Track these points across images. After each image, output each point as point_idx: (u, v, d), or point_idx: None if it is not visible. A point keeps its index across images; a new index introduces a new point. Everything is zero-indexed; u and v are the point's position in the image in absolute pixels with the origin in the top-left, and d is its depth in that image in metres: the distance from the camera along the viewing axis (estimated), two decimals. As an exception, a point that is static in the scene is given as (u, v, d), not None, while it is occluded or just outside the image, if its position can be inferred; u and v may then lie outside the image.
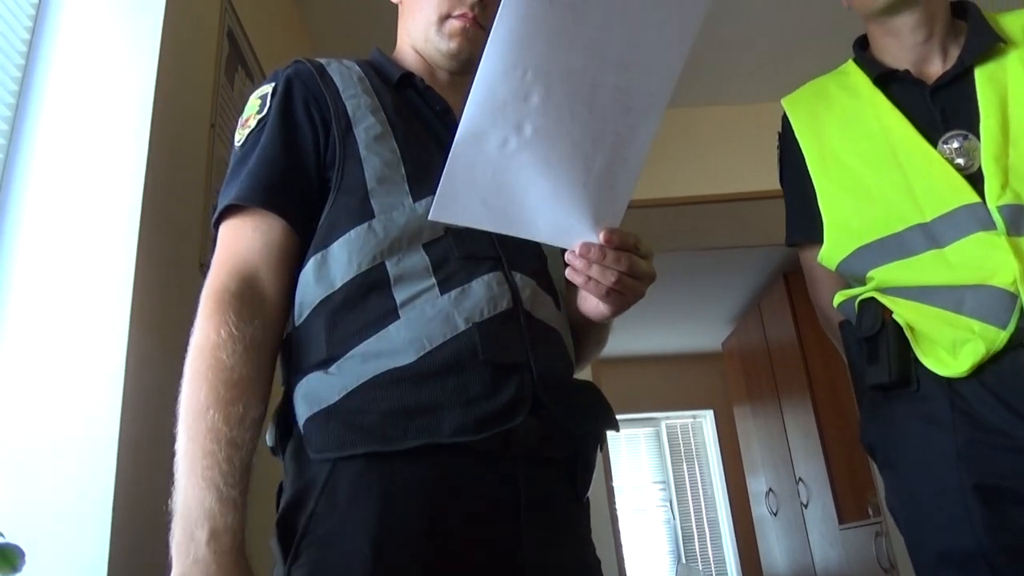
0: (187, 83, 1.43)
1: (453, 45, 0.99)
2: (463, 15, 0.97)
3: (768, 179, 2.60)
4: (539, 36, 0.71)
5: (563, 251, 0.82)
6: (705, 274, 4.79)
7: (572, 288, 0.91)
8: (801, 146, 1.28)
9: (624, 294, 0.83)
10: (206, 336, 0.81)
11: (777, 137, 1.36)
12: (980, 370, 1.04)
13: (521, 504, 0.83)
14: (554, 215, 0.79)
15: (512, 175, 0.75)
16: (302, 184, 0.89)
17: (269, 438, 0.88)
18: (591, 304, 0.88)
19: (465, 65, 1.01)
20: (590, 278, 0.80)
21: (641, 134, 0.78)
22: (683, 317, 5.56)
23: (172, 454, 1.24)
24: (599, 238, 0.79)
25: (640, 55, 0.74)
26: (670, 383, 6.37)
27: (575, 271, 0.81)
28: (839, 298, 1.23)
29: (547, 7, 0.70)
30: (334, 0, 2.54)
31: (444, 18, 0.98)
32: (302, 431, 0.82)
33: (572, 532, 0.90)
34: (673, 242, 3.54)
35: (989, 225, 1.06)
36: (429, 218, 0.76)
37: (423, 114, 0.99)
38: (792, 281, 4.40)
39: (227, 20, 1.67)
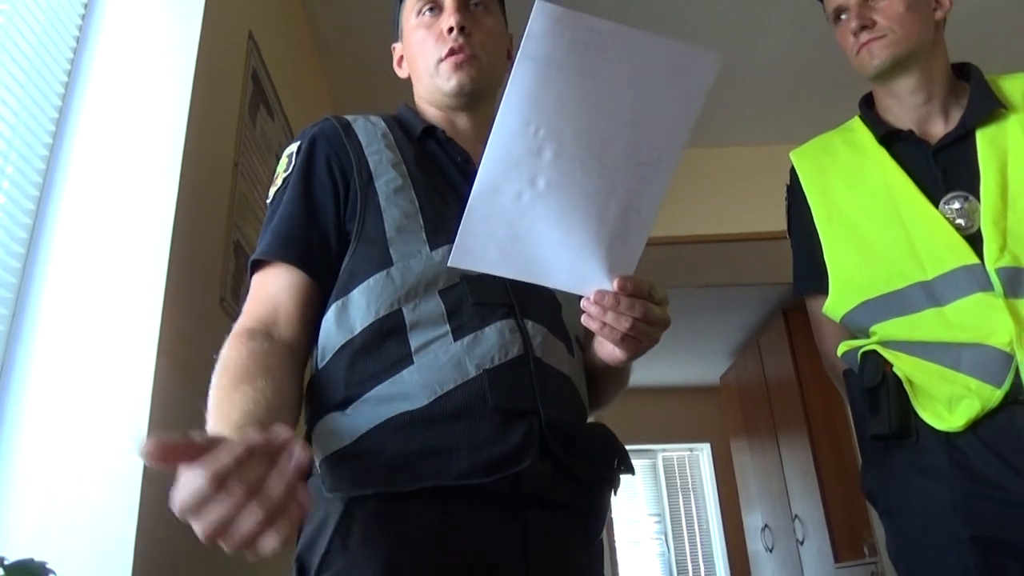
0: (215, 122, 1.48)
1: (453, 82, 1.03)
2: (449, 51, 1.02)
3: (769, 220, 2.66)
4: (550, 95, 0.75)
5: (579, 298, 0.86)
6: (705, 309, 4.82)
7: (590, 333, 0.95)
8: (808, 200, 1.32)
9: (639, 339, 0.86)
10: (220, 357, 0.86)
11: (785, 189, 1.41)
12: (976, 425, 1.07)
13: (530, 547, 0.85)
14: (569, 263, 0.82)
15: (528, 225, 0.79)
16: (321, 235, 0.94)
17: None
18: (607, 349, 0.92)
19: (475, 98, 1.06)
20: (605, 324, 0.83)
21: (653, 187, 0.81)
22: (682, 350, 5.58)
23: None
24: (613, 285, 0.82)
25: (649, 113, 0.78)
26: (668, 415, 6.37)
27: (591, 317, 0.84)
28: (843, 348, 1.27)
29: (557, 68, 0.74)
30: (354, 43, 2.61)
31: (438, 63, 1.03)
32: (318, 470, 0.85)
33: (582, 574, 0.93)
34: (675, 279, 3.58)
35: (987, 286, 1.10)
36: (448, 264, 0.80)
37: (443, 165, 1.04)
38: (792, 318, 4.43)
39: (252, 60, 1.72)
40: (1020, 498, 1.03)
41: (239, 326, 0.91)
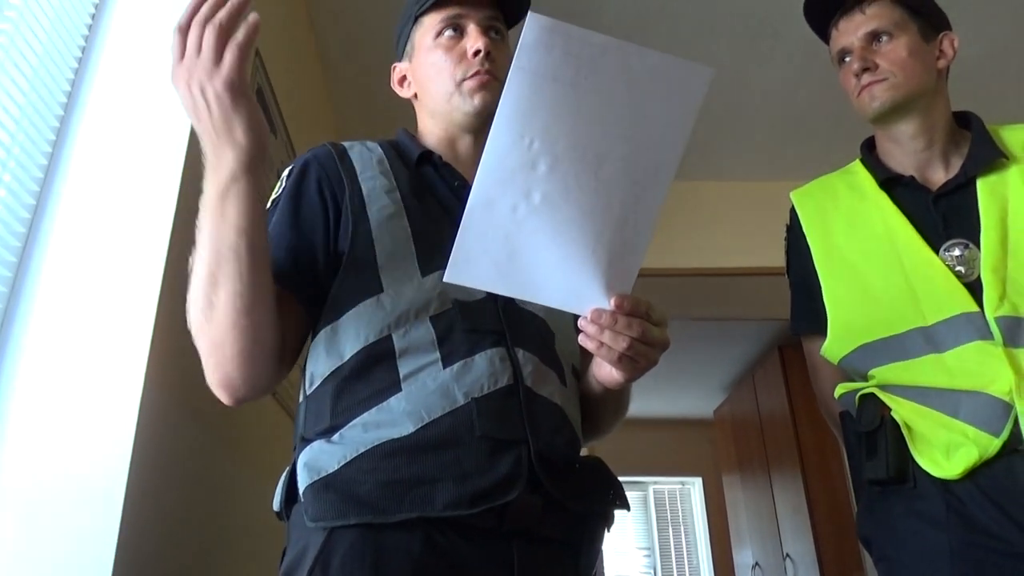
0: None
1: (478, 101, 1.02)
2: (477, 73, 1.02)
3: (767, 256, 2.66)
4: (544, 107, 0.75)
5: (573, 327, 0.85)
6: (700, 342, 4.82)
7: (587, 357, 0.94)
8: (808, 241, 1.32)
9: (636, 360, 0.84)
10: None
11: (785, 229, 1.41)
12: (974, 473, 1.06)
13: None
14: (565, 280, 0.81)
15: (523, 240, 0.78)
16: (308, 256, 0.93)
17: (276, 503, 0.90)
18: (605, 371, 0.90)
19: (490, 120, 1.06)
20: (602, 344, 0.82)
21: (648, 204, 0.80)
22: (677, 382, 5.57)
23: (177, 517, 1.25)
24: (610, 304, 0.81)
25: (643, 127, 0.78)
26: (660, 448, 6.33)
27: (587, 337, 0.83)
28: (840, 390, 1.26)
29: (551, 81, 0.74)
30: (359, 64, 2.62)
31: (461, 82, 1.03)
32: (301, 498, 0.83)
33: None
34: (672, 311, 3.56)
35: (987, 335, 1.09)
36: (444, 280, 0.79)
37: (438, 191, 1.03)
38: (787, 355, 4.42)
39: (257, 77, 1.72)
40: (1017, 549, 1.02)
41: None
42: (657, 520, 6.59)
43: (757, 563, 4.88)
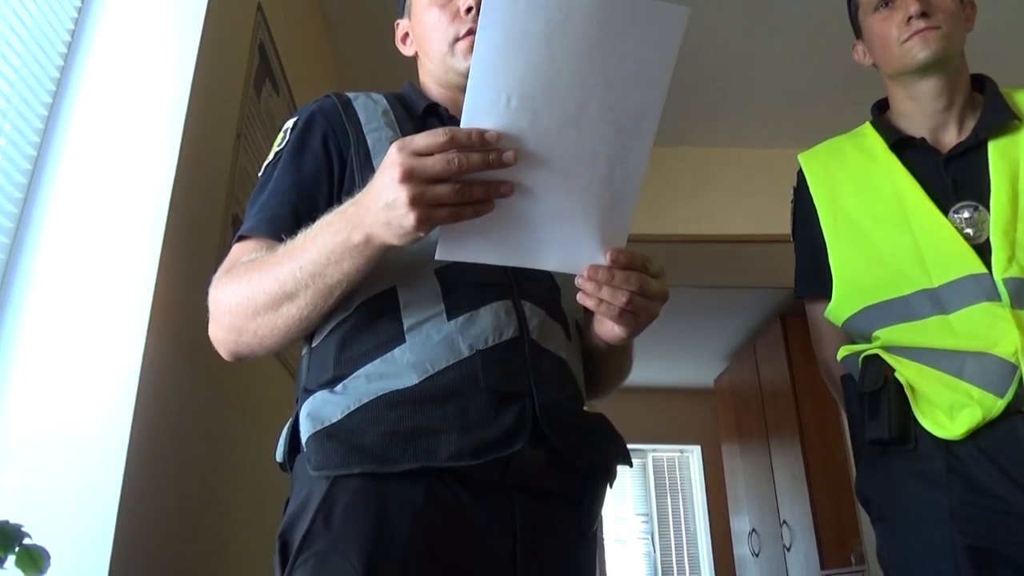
0: (218, 92, 1.46)
1: (471, 61, 1.01)
2: (469, 31, 1.00)
3: (773, 223, 2.65)
4: (517, 64, 0.73)
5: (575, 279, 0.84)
6: (702, 310, 4.81)
7: (589, 315, 0.93)
8: (815, 202, 1.31)
9: (637, 314, 0.84)
10: (232, 279, 0.88)
11: (792, 191, 1.40)
12: (976, 434, 1.06)
13: (519, 535, 0.84)
14: (558, 241, 0.80)
15: (512, 205, 0.77)
16: (311, 213, 0.91)
17: (279, 454, 0.90)
18: (607, 328, 0.90)
19: None
20: (602, 300, 0.82)
21: (635, 153, 0.78)
22: (678, 351, 5.58)
23: (180, 468, 1.25)
24: (606, 259, 0.81)
25: (622, 74, 0.75)
26: (660, 416, 6.37)
27: (586, 295, 0.82)
28: (843, 352, 1.26)
29: (521, 33, 0.72)
30: (362, 20, 2.59)
31: (454, 42, 1.01)
32: (303, 448, 0.83)
33: (573, 566, 0.91)
34: (673, 278, 3.56)
35: (994, 296, 1.08)
36: (436, 258, 0.78)
37: None
38: (789, 324, 4.42)
39: (259, 33, 1.70)
40: (1018, 510, 1.02)
41: (217, 274, 0.91)
42: (656, 487, 6.66)
43: (754, 529, 4.93)
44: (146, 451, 1.12)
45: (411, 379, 0.83)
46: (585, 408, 0.98)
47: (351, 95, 1.03)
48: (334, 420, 0.82)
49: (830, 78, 2.84)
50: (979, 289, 1.10)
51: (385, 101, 1.03)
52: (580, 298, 0.83)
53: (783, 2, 2.54)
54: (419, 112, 1.03)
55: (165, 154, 1.24)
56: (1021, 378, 1.04)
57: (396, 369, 0.84)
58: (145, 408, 1.12)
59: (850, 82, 2.51)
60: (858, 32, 1.35)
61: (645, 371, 5.90)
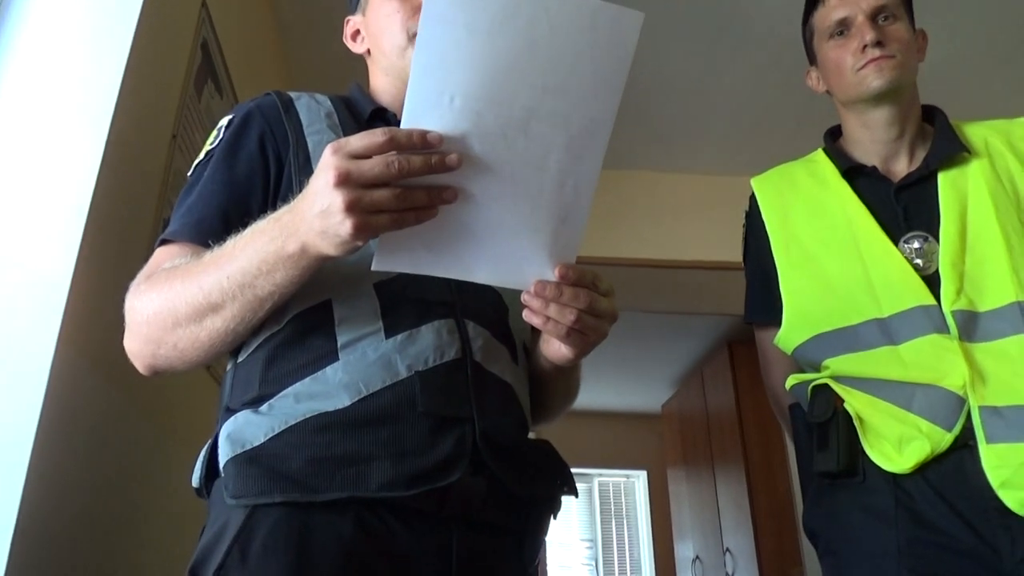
0: (153, 89, 1.38)
1: None
2: None
3: (723, 250, 2.66)
4: (460, 60, 0.68)
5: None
6: (651, 335, 4.83)
7: (536, 335, 0.89)
8: (767, 227, 1.29)
9: (585, 334, 0.80)
10: (152, 286, 0.82)
11: (744, 215, 1.38)
12: (924, 468, 1.05)
13: (455, 570, 0.78)
14: (505, 253, 0.76)
15: (454, 213, 0.72)
16: (242, 218, 0.85)
17: (195, 479, 0.83)
18: (554, 347, 0.86)
19: None
20: (548, 318, 0.77)
21: (587, 162, 0.74)
22: (626, 376, 5.59)
23: (87, 491, 1.16)
24: (555, 275, 0.76)
25: (572, 78, 0.72)
26: (606, 440, 6.36)
27: (532, 311, 0.78)
28: (792, 381, 1.24)
29: (464, 30, 0.68)
30: (316, 23, 2.53)
31: (414, 36, 0.96)
32: (222, 473, 0.77)
33: None
34: (623, 301, 3.56)
35: (943, 328, 1.08)
36: (373, 268, 0.73)
37: None
38: (736, 351, 4.46)
39: (203, 31, 1.63)
40: (964, 546, 1.00)
41: (136, 281, 0.84)
42: (601, 512, 6.62)
43: (698, 556, 4.93)
44: (50, 469, 1.03)
45: (343, 400, 0.78)
46: (531, 435, 0.93)
47: (294, 95, 0.97)
48: (256, 443, 0.76)
49: (786, 105, 2.89)
50: (928, 320, 1.09)
51: (330, 103, 0.98)
52: (526, 315, 0.79)
53: (740, 28, 2.57)
54: (365, 116, 0.98)
55: (88, 151, 1.16)
56: (969, 411, 1.03)
57: (327, 389, 0.78)
58: (51, 423, 1.03)
59: (806, 110, 2.55)
60: (812, 58, 1.35)
61: (593, 395, 5.90)
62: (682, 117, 3.01)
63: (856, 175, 1.25)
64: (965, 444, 1.03)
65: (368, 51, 1.05)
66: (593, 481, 6.67)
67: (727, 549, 4.42)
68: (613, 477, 6.70)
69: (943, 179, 1.19)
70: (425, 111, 0.69)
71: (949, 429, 1.04)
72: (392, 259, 0.73)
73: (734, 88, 2.87)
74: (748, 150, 3.16)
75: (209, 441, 0.82)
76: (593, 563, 6.47)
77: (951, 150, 1.21)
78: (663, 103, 2.92)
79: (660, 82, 2.79)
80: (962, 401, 1.04)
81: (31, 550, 0.98)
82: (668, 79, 2.78)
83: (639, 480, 6.62)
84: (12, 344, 1.03)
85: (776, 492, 3.98)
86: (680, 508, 5.35)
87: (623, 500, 6.69)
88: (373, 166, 0.67)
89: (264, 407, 0.79)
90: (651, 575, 6.22)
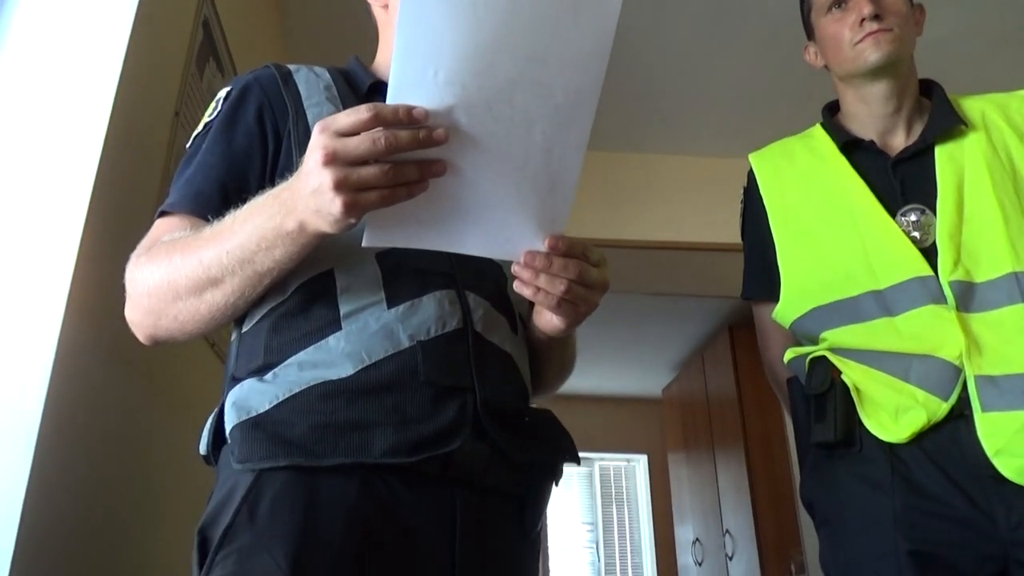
0: (155, 67, 1.39)
1: None
2: None
3: (724, 232, 2.66)
4: (443, 32, 0.69)
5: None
6: (652, 319, 4.84)
7: (533, 307, 0.90)
8: (765, 202, 1.30)
9: (576, 304, 0.81)
10: (152, 258, 0.82)
11: (742, 192, 1.39)
12: (920, 437, 1.06)
13: (458, 532, 0.80)
14: (494, 225, 0.76)
15: (443, 186, 0.73)
16: (240, 190, 0.86)
17: (202, 446, 0.84)
18: (545, 318, 0.87)
19: None
20: (539, 289, 0.78)
21: (574, 132, 0.74)
22: (627, 360, 5.60)
23: (95, 467, 1.18)
24: (544, 246, 0.77)
25: (556, 47, 0.72)
26: (607, 425, 6.38)
27: (523, 283, 0.79)
28: (790, 355, 1.25)
29: (446, 5, 0.68)
30: (319, 12, 2.52)
31: None
32: (228, 440, 0.78)
33: (514, 567, 0.87)
34: (624, 284, 3.57)
35: (940, 299, 1.09)
36: (363, 244, 0.74)
37: None
38: (736, 334, 4.47)
39: (204, 9, 1.63)
40: (960, 513, 1.02)
41: (135, 252, 0.85)
42: (602, 496, 6.66)
43: (697, 539, 4.96)
44: (58, 443, 1.04)
45: (346, 369, 0.79)
46: (532, 404, 0.95)
47: (292, 67, 0.97)
48: (261, 410, 0.77)
49: (786, 85, 2.88)
50: (925, 291, 1.10)
51: (328, 75, 0.98)
52: (517, 286, 0.80)
53: (738, 9, 2.56)
54: (364, 90, 0.99)
55: (92, 129, 1.17)
56: (965, 381, 1.04)
57: (330, 358, 0.79)
58: (58, 398, 1.04)
59: (805, 91, 2.54)
60: (810, 33, 1.35)
61: (594, 379, 5.91)
62: (680, 100, 3.01)
63: (854, 149, 1.25)
64: (961, 414, 1.05)
65: (385, 5, 1.04)
66: (594, 465, 6.70)
67: (727, 531, 4.45)
68: (614, 461, 6.73)
69: (940, 152, 1.20)
70: (410, 86, 0.69)
71: (945, 398, 1.05)
72: (382, 234, 0.74)
73: (732, 71, 2.87)
74: (747, 132, 3.14)
75: (215, 409, 0.83)
76: (594, 546, 6.52)
77: (948, 123, 1.21)
78: (663, 86, 2.92)
79: (660, 65, 2.79)
80: (958, 371, 1.05)
81: (41, 522, 1.00)
82: (668, 61, 2.78)
83: (640, 464, 6.65)
84: (18, 322, 1.04)
85: (775, 474, 4.01)
86: (680, 491, 5.38)
87: (624, 484, 6.73)
88: (359, 144, 0.68)
89: (269, 375, 0.80)
90: (651, 557, 6.26)
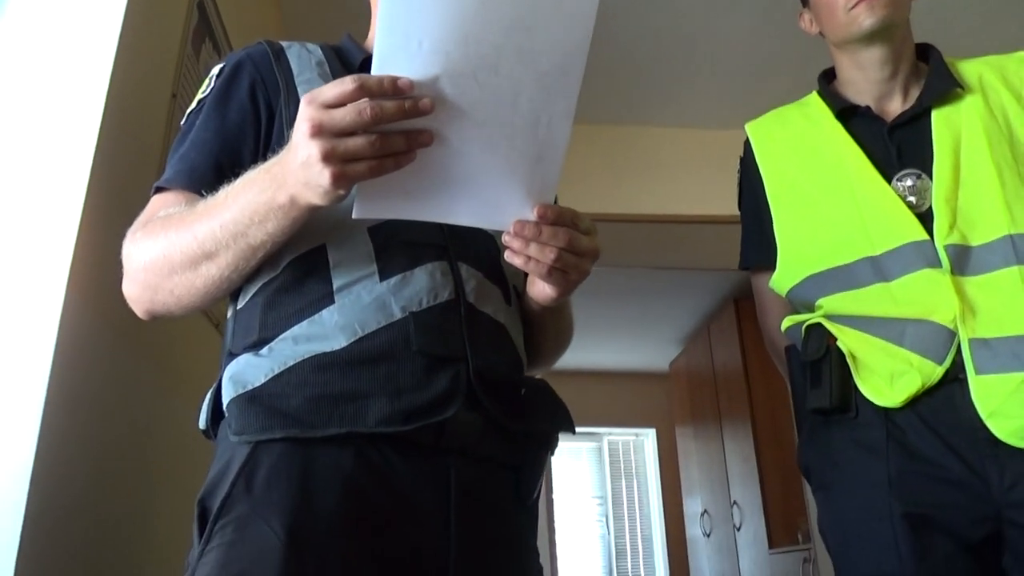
0: (151, 49, 1.39)
1: None
2: None
3: (728, 205, 2.63)
4: (427, 3, 0.68)
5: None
6: (658, 293, 4.85)
7: (527, 278, 0.91)
8: (761, 171, 1.30)
9: (567, 272, 0.81)
10: (148, 234, 0.83)
11: (739, 162, 1.39)
12: (915, 402, 1.07)
13: (453, 501, 0.81)
14: (482, 194, 0.76)
15: (431, 157, 0.73)
16: (234, 165, 0.87)
17: (201, 421, 0.86)
18: (538, 288, 0.88)
19: None
20: (529, 257, 0.79)
21: (561, 99, 0.74)
22: (633, 335, 5.61)
23: (99, 443, 1.20)
24: (533, 215, 0.77)
25: (542, 15, 0.71)
26: (615, 400, 6.41)
27: (513, 252, 0.79)
28: (787, 323, 1.25)
29: None
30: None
31: None
32: (226, 414, 0.80)
33: (511, 536, 0.88)
34: (628, 258, 3.57)
35: (935, 263, 1.09)
36: (353, 217, 0.74)
37: None
38: (742, 307, 4.47)
39: (199, -9, 1.63)
40: (953, 476, 1.03)
41: (132, 228, 0.87)
42: (611, 470, 6.71)
43: (706, 511, 5.01)
44: (63, 416, 1.06)
45: (339, 342, 0.80)
46: (527, 374, 0.96)
47: (284, 44, 0.98)
48: (257, 384, 0.79)
49: (785, 60, 2.85)
50: (920, 256, 1.10)
51: (321, 52, 0.98)
52: (507, 256, 0.80)
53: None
54: (356, 66, 0.99)
55: (89, 110, 1.18)
56: (959, 344, 1.05)
57: (324, 331, 0.81)
58: (62, 373, 1.06)
59: (805, 67, 2.52)
60: (805, 0, 1.34)
61: (601, 355, 5.93)
62: (680, 71, 2.98)
63: (850, 116, 1.25)
64: (956, 377, 1.05)
65: None
66: (603, 440, 6.75)
67: (734, 502, 4.49)
68: (623, 436, 6.78)
69: (937, 116, 1.19)
70: (395, 57, 0.69)
71: (940, 362, 1.05)
72: (372, 206, 0.75)
73: (733, 43, 2.83)
74: (747, 104, 3.10)
75: (214, 385, 0.85)
76: (604, 519, 6.58)
77: (944, 87, 1.20)
78: (663, 58, 2.89)
79: (659, 37, 2.76)
80: (952, 334, 1.05)
81: (46, 500, 1.02)
82: (668, 34, 2.75)
83: (648, 438, 6.69)
84: (21, 300, 1.06)
85: (781, 445, 4.03)
86: (688, 464, 5.41)
87: (632, 458, 6.78)
88: (345, 115, 0.68)
89: (264, 350, 0.81)
90: (661, 529, 6.32)
